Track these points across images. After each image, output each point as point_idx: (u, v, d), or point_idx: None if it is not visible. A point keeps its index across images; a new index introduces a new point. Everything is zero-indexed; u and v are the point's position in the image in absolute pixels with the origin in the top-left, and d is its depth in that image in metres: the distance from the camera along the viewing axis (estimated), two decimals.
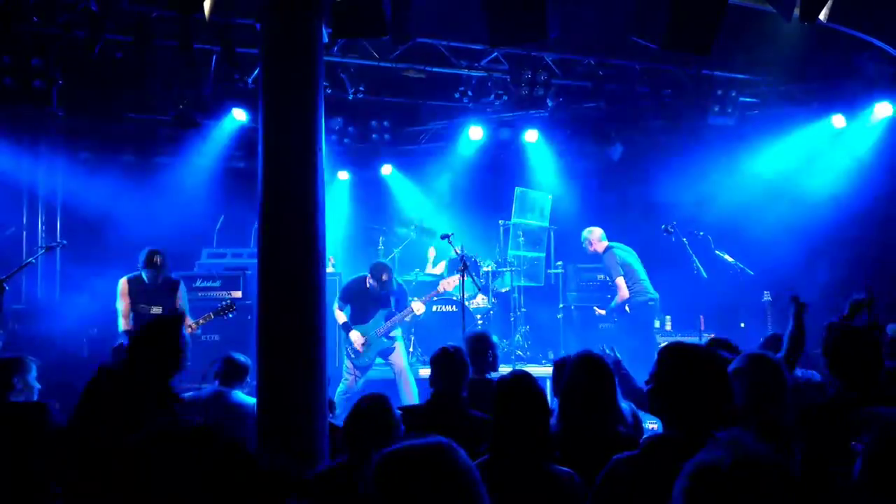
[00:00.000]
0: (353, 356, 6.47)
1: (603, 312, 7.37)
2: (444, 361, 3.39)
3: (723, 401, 2.07)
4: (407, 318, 6.63)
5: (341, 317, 6.58)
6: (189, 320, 5.74)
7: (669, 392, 2.06)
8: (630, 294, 7.04)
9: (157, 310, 5.84)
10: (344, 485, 2.50)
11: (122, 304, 5.89)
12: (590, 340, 7.85)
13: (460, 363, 3.39)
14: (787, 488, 1.27)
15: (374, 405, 2.69)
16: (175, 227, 7.76)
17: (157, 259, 5.78)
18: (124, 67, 6.39)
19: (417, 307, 6.49)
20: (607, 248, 7.16)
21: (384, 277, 6.39)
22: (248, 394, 4.26)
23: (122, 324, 5.88)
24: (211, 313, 5.83)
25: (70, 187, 8.07)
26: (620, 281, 6.95)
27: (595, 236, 7.29)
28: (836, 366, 2.79)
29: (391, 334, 6.55)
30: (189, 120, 6.93)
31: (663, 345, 2.21)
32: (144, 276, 5.84)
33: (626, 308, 7.07)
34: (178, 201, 8.08)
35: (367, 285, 6.50)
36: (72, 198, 8.04)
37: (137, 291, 5.87)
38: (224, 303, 5.96)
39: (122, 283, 5.92)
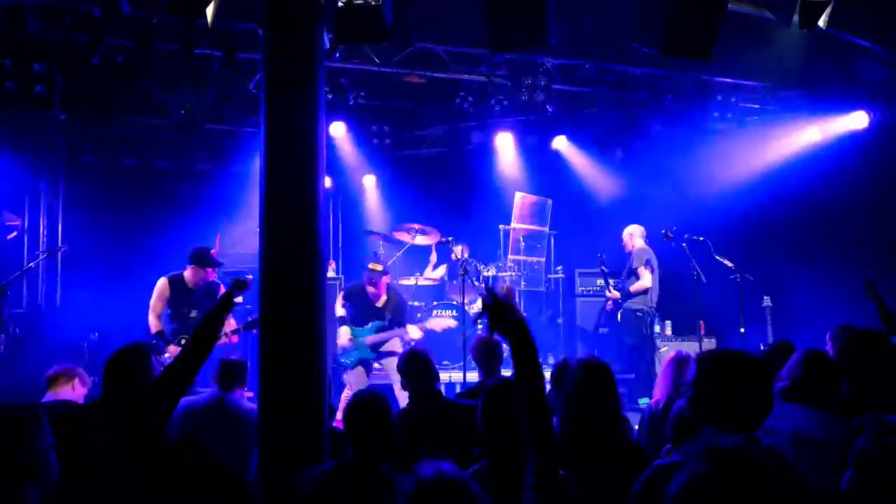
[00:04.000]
0: (338, 351, 6.37)
1: (617, 294, 7.40)
2: (411, 362, 3.51)
3: (766, 408, 2.04)
4: (406, 338, 6.40)
5: (340, 311, 6.55)
6: (232, 322, 5.38)
7: (713, 400, 2.02)
8: (629, 299, 7.16)
9: (194, 314, 5.51)
10: (346, 484, 2.51)
11: (157, 305, 5.47)
12: (590, 345, 7.88)
13: (426, 359, 3.50)
14: (773, 493, 1.27)
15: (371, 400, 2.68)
16: (176, 231, 7.77)
17: (205, 258, 5.42)
18: (126, 72, 6.41)
19: (414, 332, 6.34)
20: (641, 248, 7.33)
21: (370, 290, 6.33)
22: (251, 400, 4.24)
23: (154, 324, 5.47)
24: (240, 327, 5.47)
25: (71, 192, 8.08)
26: (645, 272, 7.08)
27: (638, 232, 7.41)
28: (852, 369, 2.77)
29: (381, 349, 6.36)
30: (191, 124, 6.95)
31: (705, 351, 2.17)
32: (186, 276, 5.48)
33: (619, 317, 7.20)
34: (179, 205, 8.09)
35: (366, 291, 6.48)
36: (73, 202, 8.05)
37: (178, 293, 5.51)
38: (251, 318, 5.44)
39: (162, 283, 5.50)
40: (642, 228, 7.46)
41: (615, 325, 7.50)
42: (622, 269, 7.54)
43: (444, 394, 3.52)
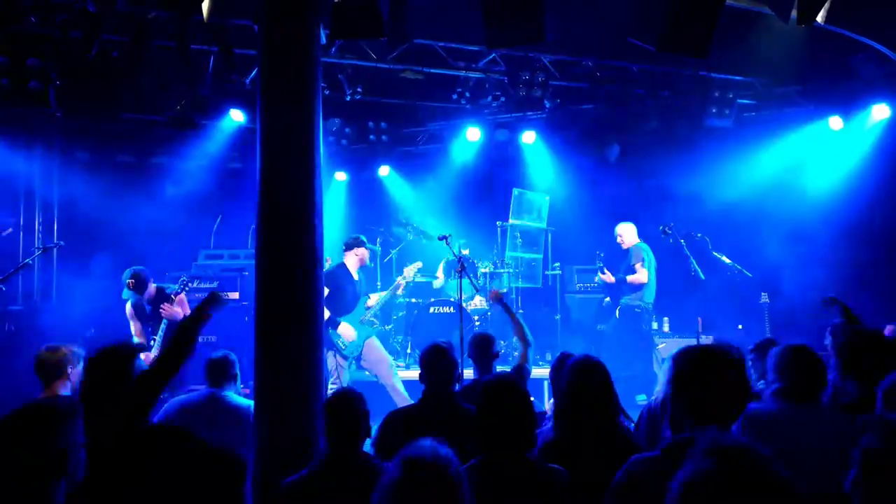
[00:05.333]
0: (343, 348, 6.21)
1: (611, 278, 7.50)
2: (433, 358, 3.36)
3: (742, 400, 2.07)
4: (399, 292, 6.62)
5: (326, 312, 6.16)
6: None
7: (688, 394, 2.05)
8: (627, 295, 7.19)
9: (161, 325, 5.76)
10: (329, 483, 2.51)
11: (133, 326, 5.79)
12: (587, 342, 7.89)
13: (450, 359, 3.37)
14: (778, 489, 1.26)
15: (345, 398, 2.70)
16: (172, 228, 7.75)
17: (130, 283, 5.66)
18: (121, 68, 6.37)
19: (401, 280, 6.52)
20: (637, 244, 7.37)
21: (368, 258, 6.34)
22: (248, 396, 4.24)
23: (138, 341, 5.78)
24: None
25: (67, 188, 8.04)
26: (640, 266, 7.13)
27: (630, 230, 7.44)
28: (851, 367, 2.77)
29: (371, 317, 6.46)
30: (187, 120, 6.92)
31: (680, 349, 2.20)
32: (132, 299, 5.75)
33: (617, 313, 7.23)
34: (175, 202, 8.06)
35: (347, 269, 6.32)
36: (69, 198, 8.02)
37: (140, 313, 5.80)
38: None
39: (128, 308, 5.82)
40: (633, 225, 7.49)
41: (613, 321, 7.53)
42: (620, 265, 7.55)
43: (457, 398, 3.38)
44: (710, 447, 1.35)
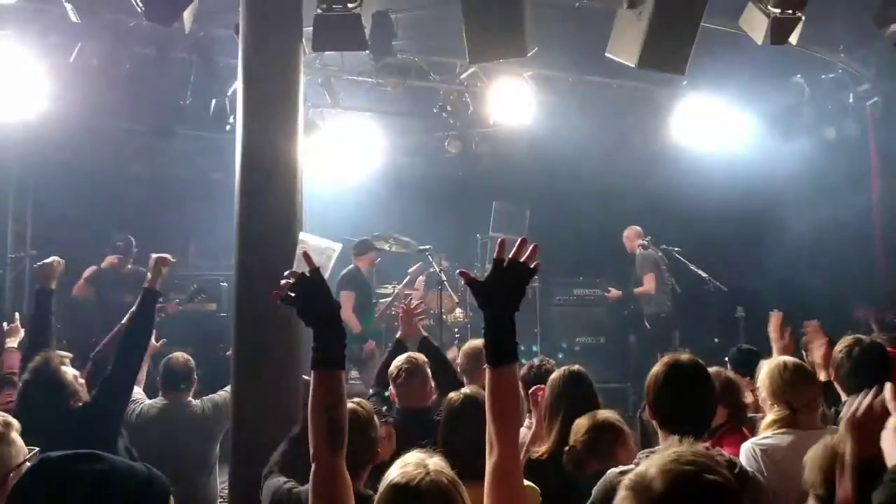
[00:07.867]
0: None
1: (618, 293, 7.47)
2: (406, 374, 3.31)
3: (709, 412, 2.16)
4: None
5: (357, 325, 6.17)
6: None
7: (663, 404, 2.11)
8: (646, 304, 7.19)
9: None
10: None
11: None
12: (567, 354, 7.91)
13: (422, 374, 3.32)
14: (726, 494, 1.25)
15: None
16: (148, 240, 7.63)
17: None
18: (100, 75, 6.30)
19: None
20: (641, 247, 7.38)
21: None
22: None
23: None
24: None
25: (41, 198, 7.91)
26: (648, 278, 7.11)
27: (632, 233, 7.45)
28: (849, 380, 2.81)
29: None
30: (166, 129, 6.86)
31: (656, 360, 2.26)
32: None
33: (646, 324, 7.20)
34: (152, 213, 7.96)
35: (362, 271, 6.32)
36: (43, 209, 7.88)
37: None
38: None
39: None
40: (638, 229, 7.52)
41: (643, 331, 7.47)
42: (622, 276, 7.57)
43: (432, 414, 3.34)
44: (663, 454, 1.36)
